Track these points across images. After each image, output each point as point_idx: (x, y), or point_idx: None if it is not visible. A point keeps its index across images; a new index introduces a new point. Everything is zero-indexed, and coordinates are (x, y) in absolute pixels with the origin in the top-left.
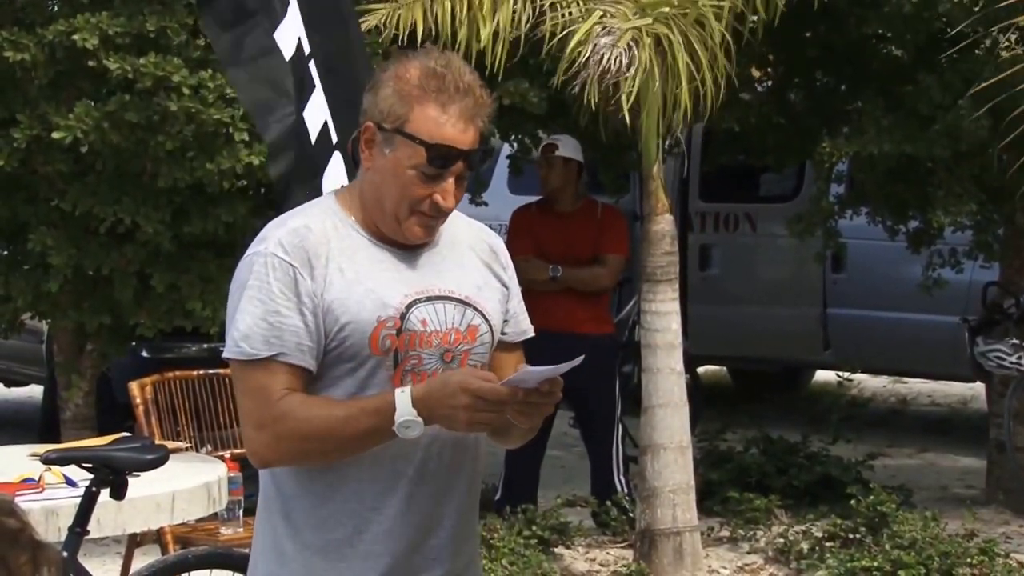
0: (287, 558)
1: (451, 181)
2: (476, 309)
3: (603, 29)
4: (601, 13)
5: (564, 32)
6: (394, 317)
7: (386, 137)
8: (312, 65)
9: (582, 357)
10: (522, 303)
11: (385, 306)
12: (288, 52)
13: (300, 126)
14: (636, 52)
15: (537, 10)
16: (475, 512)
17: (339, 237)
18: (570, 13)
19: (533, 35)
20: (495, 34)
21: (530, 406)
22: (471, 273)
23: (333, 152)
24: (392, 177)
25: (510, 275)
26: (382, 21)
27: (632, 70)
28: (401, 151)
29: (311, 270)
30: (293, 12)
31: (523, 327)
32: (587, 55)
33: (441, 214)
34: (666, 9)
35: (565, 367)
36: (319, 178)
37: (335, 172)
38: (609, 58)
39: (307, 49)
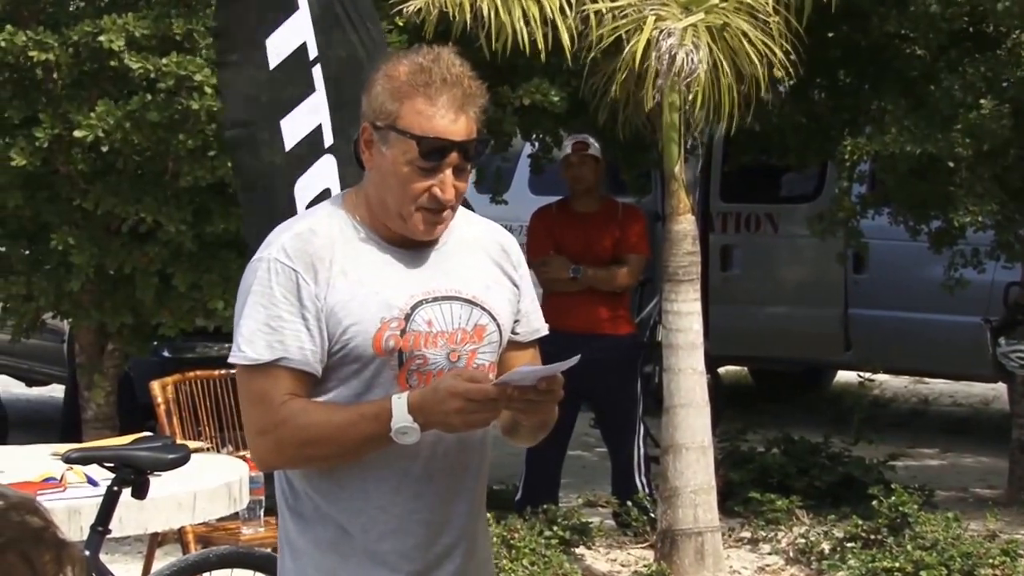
0: (299, 553)
1: (449, 173)
2: (483, 309)
3: (662, 32)
4: (654, 17)
5: (609, 40)
6: (398, 318)
7: (381, 135)
8: (317, 68)
9: (578, 357)
10: (535, 302)
11: (389, 307)
12: (278, 58)
13: (265, 133)
14: (701, 47)
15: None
16: (484, 511)
17: (344, 240)
18: (615, 15)
19: (583, 35)
20: (541, 21)
21: (530, 404)
22: (480, 272)
23: (323, 155)
24: (391, 174)
25: (522, 274)
26: (427, 3)
27: (700, 67)
28: (396, 147)
29: (314, 274)
30: (303, 15)
31: (535, 326)
32: (653, 60)
33: (443, 207)
34: (715, 1)
35: (561, 366)
36: (292, 185)
37: (322, 174)
38: (682, 60)
39: (313, 52)
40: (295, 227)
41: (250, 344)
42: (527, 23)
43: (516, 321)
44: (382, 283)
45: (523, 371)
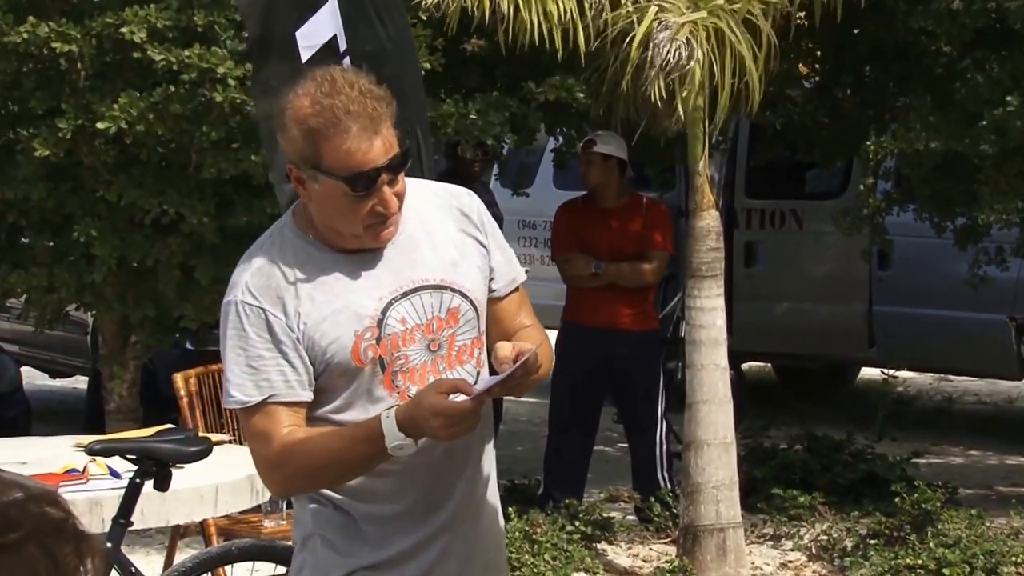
0: (310, 537)
1: (384, 189)
2: (453, 290)
3: (660, 24)
4: (657, 8)
5: (616, 30)
6: (370, 327)
7: (309, 175)
8: (347, 62)
9: (538, 345)
10: (507, 251)
11: (360, 318)
12: (309, 51)
13: None
14: (694, 45)
15: (595, 5)
16: (488, 484)
17: (301, 262)
18: (627, 9)
19: (600, 30)
20: (559, 19)
21: (514, 387)
22: (445, 249)
23: None
24: (330, 207)
25: (487, 231)
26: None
27: (692, 63)
28: (326, 186)
29: (282, 306)
30: (331, 8)
31: (510, 277)
32: (647, 53)
33: (388, 217)
34: (720, 1)
35: (527, 352)
36: None
37: None
38: (669, 52)
39: (342, 45)
40: (255, 261)
41: (239, 388)
42: (546, 18)
43: (490, 279)
44: (348, 296)
45: (487, 381)
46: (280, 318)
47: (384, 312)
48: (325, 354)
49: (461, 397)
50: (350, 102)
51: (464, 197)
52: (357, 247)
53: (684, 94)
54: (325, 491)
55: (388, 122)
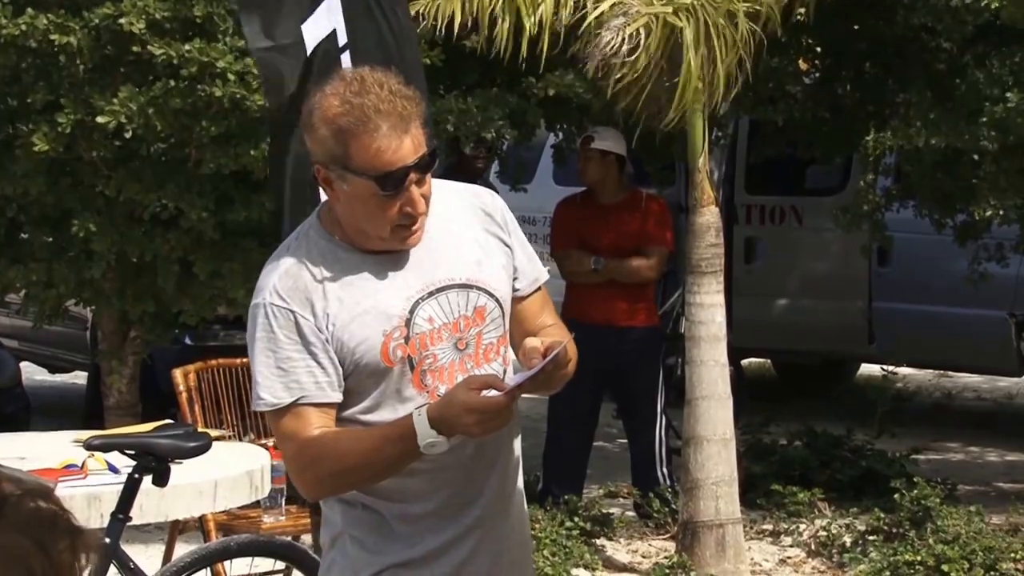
0: (340, 535)
1: (412, 189)
2: (479, 289)
3: (619, 6)
4: None
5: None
6: (399, 327)
7: (337, 175)
8: (346, 56)
9: (570, 338)
10: (528, 250)
11: (389, 318)
12: (312, 43)
13: (294, 117)
14: (642, 39)
15: (579, 3)
16: (517, 479)
17: (328, 263)
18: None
19: (577, 29)
20: (539, 24)
21: (545, 384)
22: (469, 249)
23: None
24: (359, 207)
25: (510, 230)
26: (420, 11)
27: (633, 56)
28: (355, 185)
29: (311, 308)
30: (331, 1)
31: (533, 276)
32: (599, 31)
33: (416, 218)
34: (688, 0)
35: (559, 348)
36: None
37: None
38: (613, 39)
39: (342, 40)
40: (282, 264)
41: (268, 390)
42: (517, 32)
43: (514, 279)
44: (376, 296)
45: (521, 375)
46: (309, 320)
47: (412, 311)
48: (354, 355)
49: (493, 393)
50: (380, 101)
51: (487, 197)
52: (383, 249)
53: (621, 78)
54: (355, 491)
55: (418, 121)
